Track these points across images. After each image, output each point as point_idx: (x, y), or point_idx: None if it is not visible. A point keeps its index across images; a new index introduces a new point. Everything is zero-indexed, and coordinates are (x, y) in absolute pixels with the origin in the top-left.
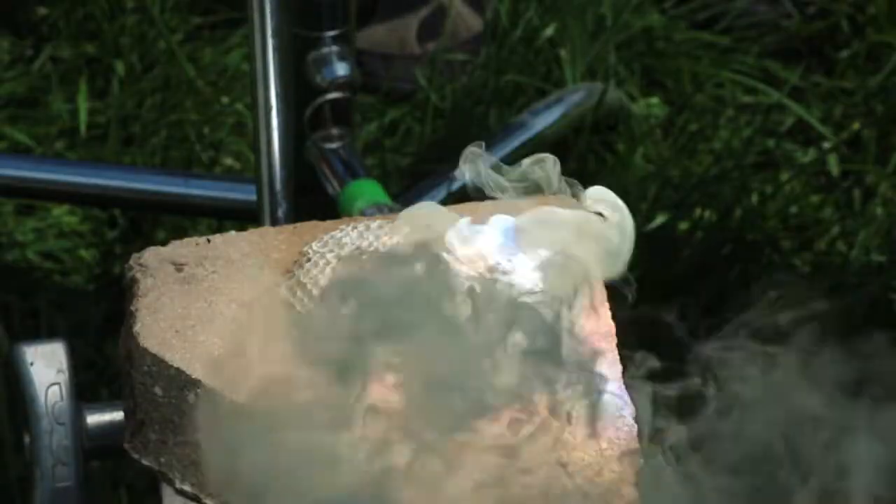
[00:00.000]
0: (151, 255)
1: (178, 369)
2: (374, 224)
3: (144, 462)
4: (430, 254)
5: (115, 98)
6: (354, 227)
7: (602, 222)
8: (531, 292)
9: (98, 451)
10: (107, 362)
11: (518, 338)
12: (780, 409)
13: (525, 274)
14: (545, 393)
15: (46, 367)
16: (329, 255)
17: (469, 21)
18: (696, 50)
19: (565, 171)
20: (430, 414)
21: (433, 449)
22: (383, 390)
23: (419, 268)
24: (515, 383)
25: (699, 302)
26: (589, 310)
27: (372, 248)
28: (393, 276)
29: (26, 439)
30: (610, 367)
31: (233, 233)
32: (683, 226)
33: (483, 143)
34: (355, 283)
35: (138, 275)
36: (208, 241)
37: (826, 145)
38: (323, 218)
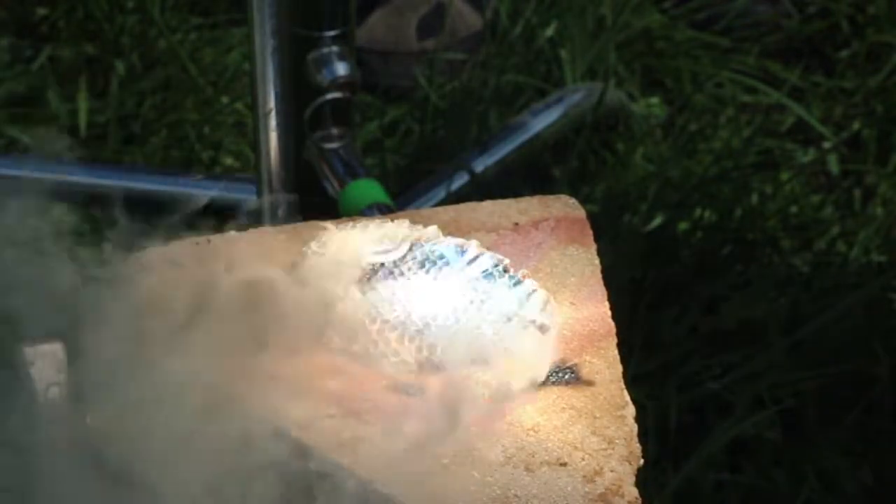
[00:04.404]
0: (151, 255)
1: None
2: (374, 224)
3: None
4: None
5: (115, 98)
6: (353, 227)
7: None
8: None
9: None
10: None
11: None
12: None
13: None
14: None
15: (46, 367)
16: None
17: (468, 19)
18: (696, 50)
19: (566, 171)
20: None
21: None
22: None
23: None
24: None
25: (699, 302)
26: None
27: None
28: None
29: None
30: (610, 367)
31: (233, 233)
32: (683, 226)
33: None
34: None
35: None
36: (208, 241)
37: (826, 145)
38: (323, 218)
